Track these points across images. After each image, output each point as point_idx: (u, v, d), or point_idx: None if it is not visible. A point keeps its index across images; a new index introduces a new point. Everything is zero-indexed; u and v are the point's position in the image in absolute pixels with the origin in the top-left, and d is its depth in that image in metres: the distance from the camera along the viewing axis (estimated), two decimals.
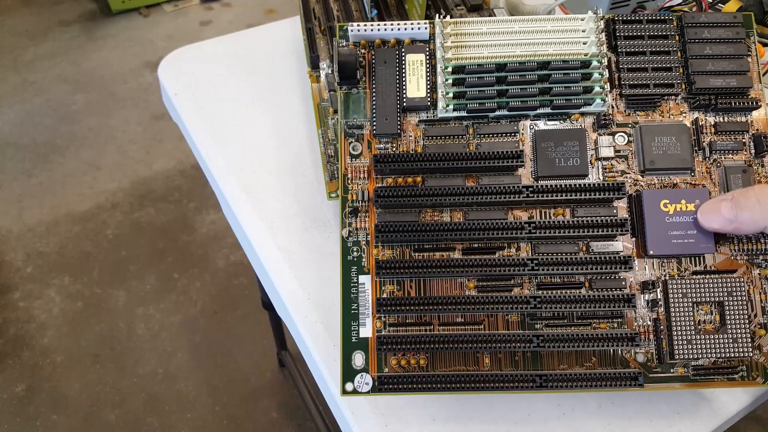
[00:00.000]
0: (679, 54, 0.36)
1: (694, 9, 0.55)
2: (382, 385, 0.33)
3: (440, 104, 0.36)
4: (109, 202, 1.51)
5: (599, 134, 0.36)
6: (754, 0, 0.56)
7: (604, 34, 0.36)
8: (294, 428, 1.12)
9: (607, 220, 0.33)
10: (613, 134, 0.36)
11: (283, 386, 1.17)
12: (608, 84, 0.36)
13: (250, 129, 0.53)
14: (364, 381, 0.34)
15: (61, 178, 1.56)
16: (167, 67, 0.59)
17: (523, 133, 0.36)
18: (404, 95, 0.36)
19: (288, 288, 0.43)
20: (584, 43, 0.35)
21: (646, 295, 0.34)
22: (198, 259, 1.38)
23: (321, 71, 0.51)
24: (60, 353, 1.22)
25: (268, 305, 0.95)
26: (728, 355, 0.32)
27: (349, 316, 0.35)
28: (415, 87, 0.36)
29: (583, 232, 0.33)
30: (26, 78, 1.87)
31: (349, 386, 0.34)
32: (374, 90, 0.36)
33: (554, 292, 0.34)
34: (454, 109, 0.36)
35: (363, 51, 0.37)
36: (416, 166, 0.34)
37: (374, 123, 0.36)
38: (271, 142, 0.52)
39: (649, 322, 0.34)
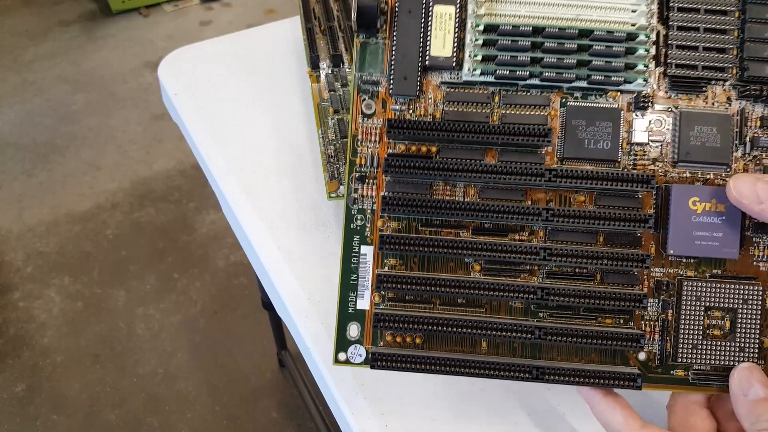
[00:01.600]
0: (736, 33, 0.32)
1: None
2: (375, 361, 0.32)
3: (466, 66, 0.32)
4: (109, 202, 1.51)
5: (635, 116, 0.33)
6: None
7: (656, 2, 0.32)
8: (294, 428, 1.12)
9: (629, 215, 0.31)
10: (650, 118, 0.33)
11: (283, 386, 1.17)
12: (653, 62, 0.32)
13: (250, 129, 0.53)
14: (357, 352, 0.33)
15: (61, 178, 1.56)
16: (167, 67, 0.59)
17: (553, 107, 0.32)
18: (428, 52, 0.32)
19: (288, 288, 0.44)
20: (633, 11, 0.31)
21: (659, 295, 0.32)
22: (198, 259, 1.38)
23: (321, 71, 0.51)
24: (60, 353, 1.22)
25: (268, 305, 0.95)
26: (733, 363, 0.31)
27: (348, 286, 0.33)
28: (441, 44, 0.32)
29: (603, 224, 0.31)
30: (26, 78, 1.87)
31: (341, 356, 0.33)
32: (395, 43, 0.32)
33: (562, 284, 0.32)
34: (481, 74, 0.32)
35: None
36: (433, 135, 0.31)
37: (391, 81, 0.32)
38: (271, 142, 0.52)
39: (657, 322, 0.32)
